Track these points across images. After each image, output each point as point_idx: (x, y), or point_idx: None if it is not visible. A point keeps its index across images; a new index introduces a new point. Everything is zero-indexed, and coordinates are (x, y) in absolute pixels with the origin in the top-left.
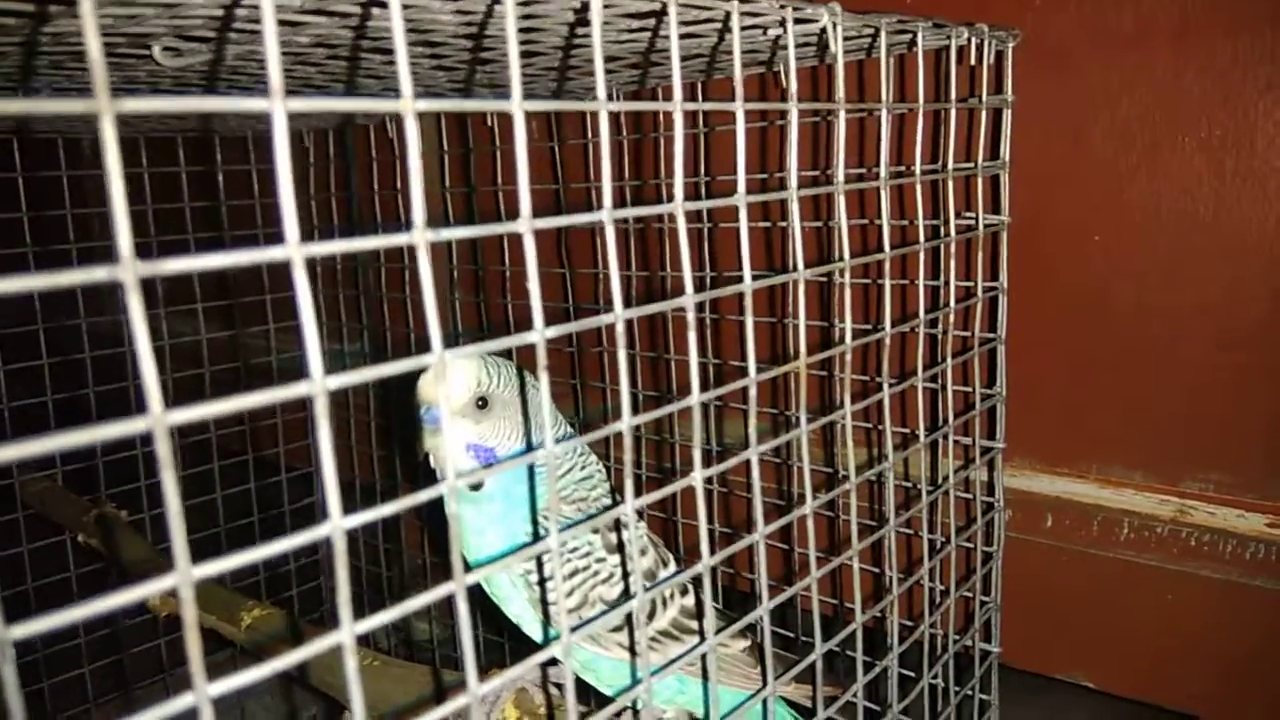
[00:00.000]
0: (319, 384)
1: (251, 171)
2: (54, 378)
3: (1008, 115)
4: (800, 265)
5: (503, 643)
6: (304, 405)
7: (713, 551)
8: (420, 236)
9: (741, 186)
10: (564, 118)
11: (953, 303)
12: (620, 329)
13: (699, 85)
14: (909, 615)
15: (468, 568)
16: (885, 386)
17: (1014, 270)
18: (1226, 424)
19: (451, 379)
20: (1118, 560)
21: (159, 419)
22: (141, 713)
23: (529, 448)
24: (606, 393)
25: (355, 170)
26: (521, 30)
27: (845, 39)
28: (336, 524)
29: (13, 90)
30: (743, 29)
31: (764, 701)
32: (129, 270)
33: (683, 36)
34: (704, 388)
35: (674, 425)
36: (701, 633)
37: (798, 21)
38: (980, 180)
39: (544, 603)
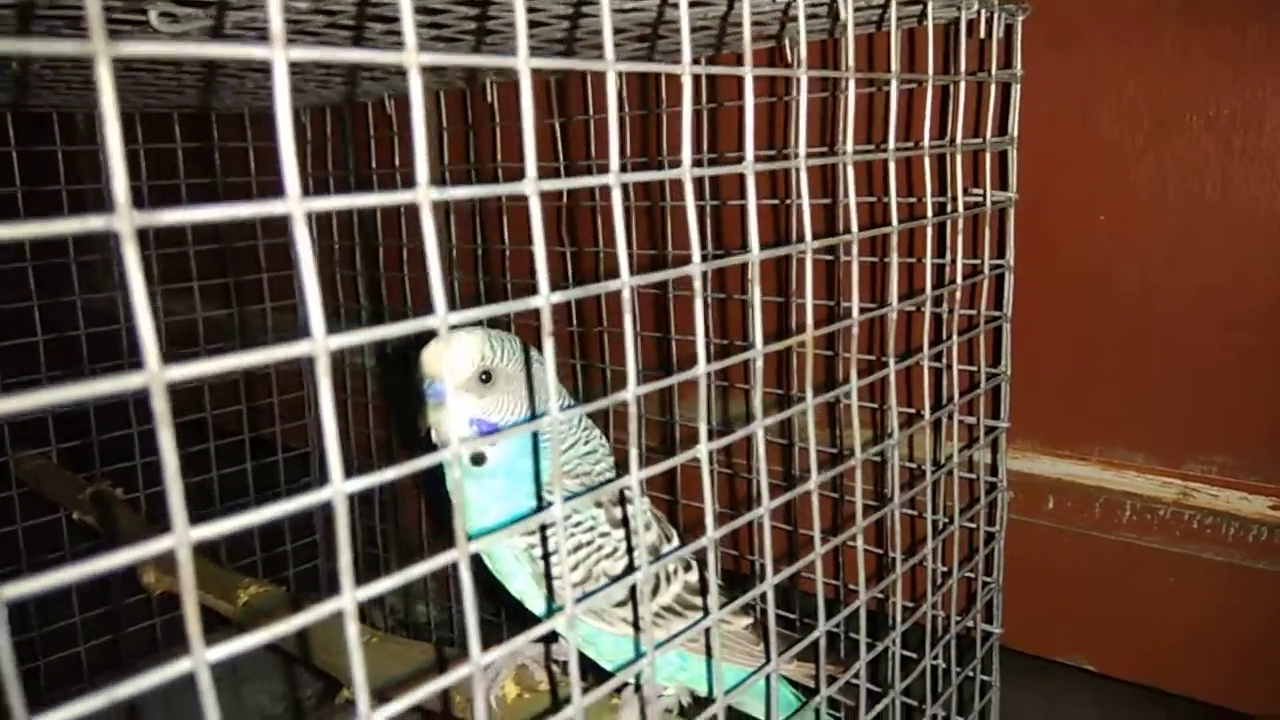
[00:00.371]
0: (320, 343)
1: (249, 149)
2: (49, 354)
3: (1016, 90)
4: (809, 235)
5: (500, 623)
6: (301, 384)
7: (716, 528)
8: (424, 194)
9: (749, 154)
10: (569, 94)
11: (959, 280)
12: (627, 295)
13: (704, 61)
14: (911, 596)
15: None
16: (891, 362)
17: (1018, 249)
18: (1231, 406)
19: (454, 352)
20: (1120, 543)
21: (156, 375)
22: (140, 675)
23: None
24: (607, 373)
25: (352, 151)
26: None
27: (855, 9)
28: (338, 488)
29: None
30: None
31: (767, 679)
32: (125, 219)
33: (692, 4)
34: (709, 363)
35: (675, 405)
36: (705, 608)
37: None
38: (989, 156)
39: (548, 578)
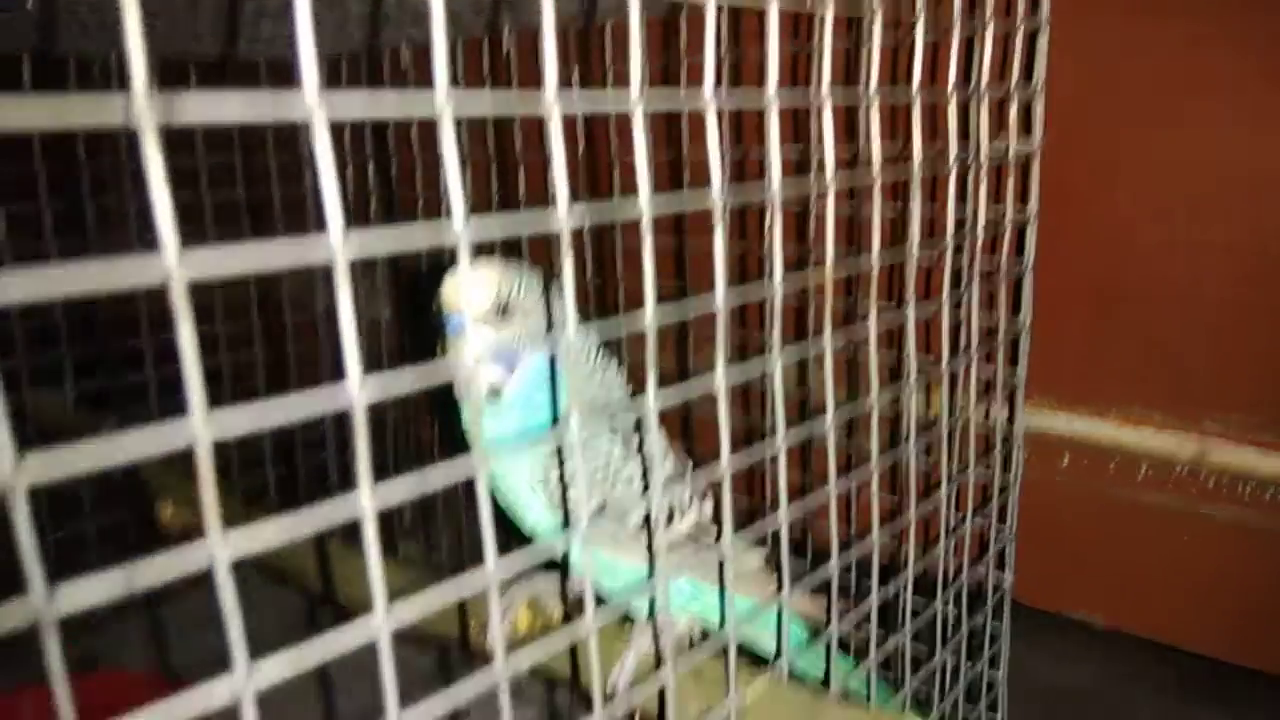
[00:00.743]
0: (337, 240)
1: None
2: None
3: (1043, 39)
4: (830, 167)
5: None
6: (315, 329)
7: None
8: (442, 104)
9: (773, 82)
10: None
11: (980, 226)
12: (647, 220)
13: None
14: (924, 545)
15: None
16: (911, 304)
17: (1040, 202)
18: (1251, 363)
19: (473, 284)
20: (1134, 501)
21: (175, 270)
22: (154, 556)
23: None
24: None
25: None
26: None
27: None
28: (355, 391)
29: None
30: None
31: (779, 613)
32: (145, 110)
33: None
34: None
35: (690, 358)
36: (719, 537)
37: None
38: (1014, 105)
39: (564, 511)
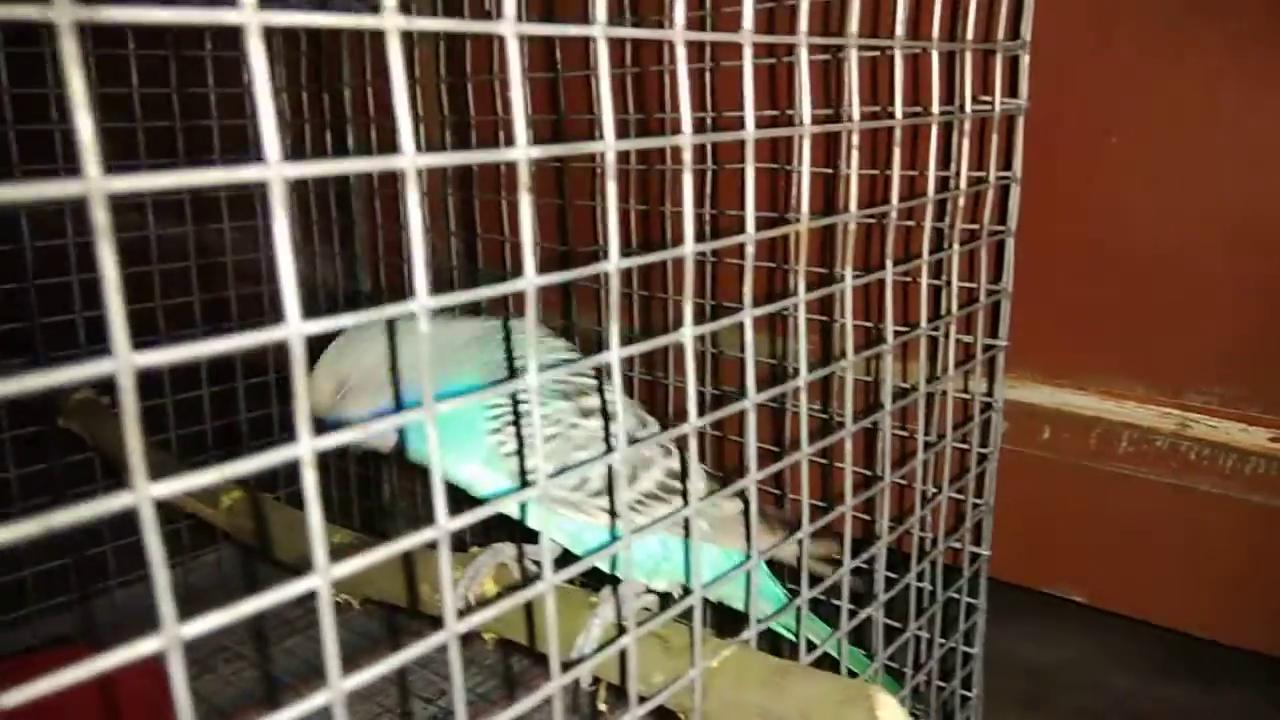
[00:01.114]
0: (275, 169)
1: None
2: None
3: None
4: (807, 119)
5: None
6: (273, 305)
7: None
8: (390, 22)
9: (748, 21)
10: (565, 53)
11: (963, 187)
12: (611, 158)
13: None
14: (899, 515)
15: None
16: (889, 265)
17: (1024, 167)
18: (1236, 334)
19: (315, 390)
20: (1115, 474)
21: (95, 183)
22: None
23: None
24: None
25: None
26: None
27: None
28: (295, 328)
29: None
30: None
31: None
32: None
33: None
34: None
35: (668, 360)
36: (685, 494)
37: None
38: (999, 61)
39: (522, 475)
